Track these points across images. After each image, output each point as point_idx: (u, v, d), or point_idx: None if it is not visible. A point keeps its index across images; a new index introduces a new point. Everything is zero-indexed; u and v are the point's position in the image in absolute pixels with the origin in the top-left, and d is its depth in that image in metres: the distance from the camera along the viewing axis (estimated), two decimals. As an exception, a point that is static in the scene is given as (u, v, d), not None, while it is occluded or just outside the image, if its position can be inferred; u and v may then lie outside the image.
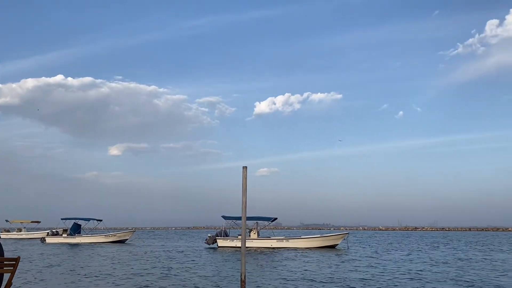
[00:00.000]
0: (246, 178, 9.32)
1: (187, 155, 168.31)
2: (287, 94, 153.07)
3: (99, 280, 12.91)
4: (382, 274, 14.23)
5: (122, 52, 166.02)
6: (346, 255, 23.18)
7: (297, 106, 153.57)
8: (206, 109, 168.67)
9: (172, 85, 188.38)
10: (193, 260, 19.88)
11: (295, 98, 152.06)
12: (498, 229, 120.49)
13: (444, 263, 18.31)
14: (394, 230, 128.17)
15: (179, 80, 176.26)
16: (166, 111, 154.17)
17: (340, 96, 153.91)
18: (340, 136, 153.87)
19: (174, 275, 14.03)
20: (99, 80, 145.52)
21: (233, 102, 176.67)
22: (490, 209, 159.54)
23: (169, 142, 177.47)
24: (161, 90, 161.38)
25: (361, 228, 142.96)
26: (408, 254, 23.83)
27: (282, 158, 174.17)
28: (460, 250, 27.79)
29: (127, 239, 40.17)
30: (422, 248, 30.58)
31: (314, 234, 35.65)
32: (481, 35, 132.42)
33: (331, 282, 12.26)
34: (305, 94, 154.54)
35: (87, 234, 40.09)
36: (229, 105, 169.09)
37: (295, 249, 27.71)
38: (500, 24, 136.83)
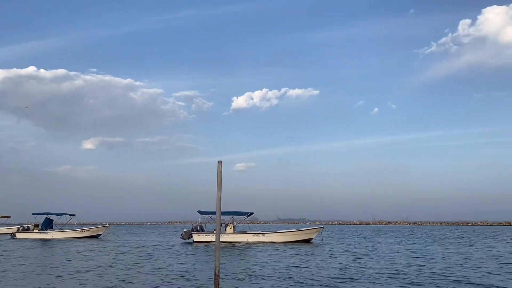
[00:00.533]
0: (221, 173, 9.30)
1: (163, 149, 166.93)
2: (264, 90, 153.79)
3: (47, 275, 12.69)
4: (344, 268, 14.51)
5: (98, 44, 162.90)
6: (319, 249, 23.48)
7: (275, 101, 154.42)
8: (183, 103, 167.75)
9: (149, 79, 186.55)
10: (168, 255, 19.74)
11: (272, 93, 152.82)
12: (468, 223, 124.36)
13: (403, 257, 18.78)
14: (368, 224, 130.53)
15: (155, 73, 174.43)
16: (142, 105, 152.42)
17: (317, 92, 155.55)
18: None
19: (145, 270, 13.88)
20: (73, 73, 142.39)
21: (211, 97, 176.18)
22: (460, 204, 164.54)
23: (145, 136, 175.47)
24: (137, 83, 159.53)
25: (336, 222, 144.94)
26: (371, 249, 24.33)
27: (259, 153, 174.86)
28: (419, 244, 28.53)
29: (100, 234, 39.54)
30: (389, 242, 31.24)
31: (290, 229, 35.90)
32: (454, 34, 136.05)
33: (300, 275, 12.41)
34: (283, 90, 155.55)
35: (59, 229, 39.26)
36: (206, 100, 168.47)
37: (271, 243, 27.88)
38: (472, 24, 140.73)
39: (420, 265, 15.11)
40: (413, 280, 11.52)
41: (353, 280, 11.55)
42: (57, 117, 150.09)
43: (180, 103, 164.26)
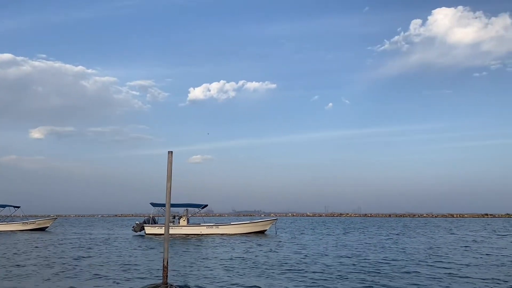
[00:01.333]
0: (171, 164, 9.15)
1: (116, 140, 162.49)
2: (222, 81, 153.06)
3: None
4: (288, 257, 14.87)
5: (47, 29, 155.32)
6: (270, 240, 23.80)
7: (232, 94, 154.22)
8: (138, 93, 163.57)
9: (101, 66, 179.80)
10: (117, 247, 19.28)
11: (230, 85, 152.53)
12: (414, 215, 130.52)
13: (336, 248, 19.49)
14: (320, 216, 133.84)
15: (109, 61, 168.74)
16: (94, 94, 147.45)
17: (274, 85, 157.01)
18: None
19: (84, 263, 13.47)
20: (20, 58, 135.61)
21: (166, 87, 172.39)
22: (408, 197, 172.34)
23: (96, 126, 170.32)
24: (89, 71, 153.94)
25: (290, 214, 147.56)
26: (315, 240, 25.04)
27: (216, 146, 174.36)
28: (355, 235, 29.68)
29: (47, 227, 38.09)
30: (333, 233, 32.25)
31: (244, 221, 36.11)
32: (406, 33, 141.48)
33: (248, 267, 12.54)
34: (240, 82, 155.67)
35: (2, 222, 37.30)
36: (162, 90, 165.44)
37: (225, 235, 27.92)
38: (423, 23, 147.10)
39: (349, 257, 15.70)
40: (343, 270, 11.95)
41: (292, 271, 11.81)
42: (2, 104, 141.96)
43: (134, 92, 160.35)
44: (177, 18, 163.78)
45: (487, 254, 15.96)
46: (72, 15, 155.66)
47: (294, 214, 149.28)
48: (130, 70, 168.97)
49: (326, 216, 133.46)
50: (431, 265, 12.76)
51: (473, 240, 23.78)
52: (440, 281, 10.01)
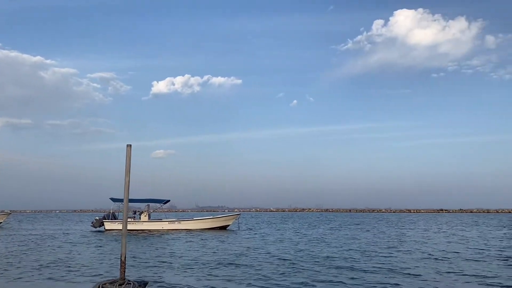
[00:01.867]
0: (130, 158, 9.01)
1: (75, 133, 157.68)
2: (187, 75, 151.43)
3: None
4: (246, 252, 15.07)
5: (3, 16, 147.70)
6: (231, 235, 23.94)
7: (197, 88, 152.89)
8: (99, 85, 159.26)
9: (61, 57, 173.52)
10: (72, 243, 18.78)
11: (195, 80, 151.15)
12: (373, 210, 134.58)
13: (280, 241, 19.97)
14: (284, 211, 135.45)
15: (69, 52, 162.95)
16: (53, 85, 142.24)
17: (240, 81, 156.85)
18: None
19: (31, 260, 13.09)
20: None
21: (129, 80, 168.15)
22: (368, 193, 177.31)
23: (55, 118, 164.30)
24: (48, 61, 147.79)
25: (253, 209, 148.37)
26: (273, 235, 25.47)
27: (179, 140, 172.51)
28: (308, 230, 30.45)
29: (0, 223, 36.51)
30: (289, 228, 32.87)
31: (207, 216, 36.01)
32: (368, 33, 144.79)
33: (202, 262, 12.60)
34: (206, 77, 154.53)
35: (-51, 218, 35.48)
36: (124, 83, 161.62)
37: (187, 230, 27.77)
38: (385, 24, 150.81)
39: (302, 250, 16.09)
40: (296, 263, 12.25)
41: (246, 267, 11.98)
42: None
43: (95, 85, 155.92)
44: (141, 9, 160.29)
45: (432, 249, 16.75)
46: (30, 3, 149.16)
47: (258, 209, 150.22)
48: (91, 61, 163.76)
49: (289, 211, 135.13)
50: (374, 259, 13.17)
51: (420, 235, 24.86)
52: (383, 275, 10.41)
